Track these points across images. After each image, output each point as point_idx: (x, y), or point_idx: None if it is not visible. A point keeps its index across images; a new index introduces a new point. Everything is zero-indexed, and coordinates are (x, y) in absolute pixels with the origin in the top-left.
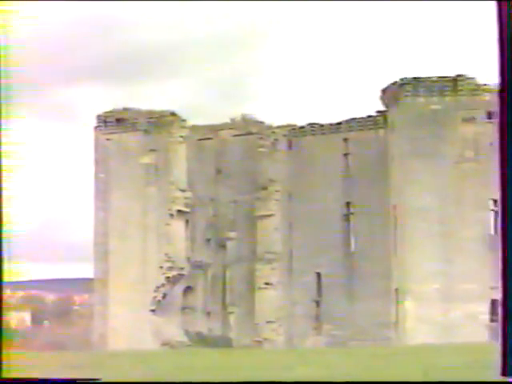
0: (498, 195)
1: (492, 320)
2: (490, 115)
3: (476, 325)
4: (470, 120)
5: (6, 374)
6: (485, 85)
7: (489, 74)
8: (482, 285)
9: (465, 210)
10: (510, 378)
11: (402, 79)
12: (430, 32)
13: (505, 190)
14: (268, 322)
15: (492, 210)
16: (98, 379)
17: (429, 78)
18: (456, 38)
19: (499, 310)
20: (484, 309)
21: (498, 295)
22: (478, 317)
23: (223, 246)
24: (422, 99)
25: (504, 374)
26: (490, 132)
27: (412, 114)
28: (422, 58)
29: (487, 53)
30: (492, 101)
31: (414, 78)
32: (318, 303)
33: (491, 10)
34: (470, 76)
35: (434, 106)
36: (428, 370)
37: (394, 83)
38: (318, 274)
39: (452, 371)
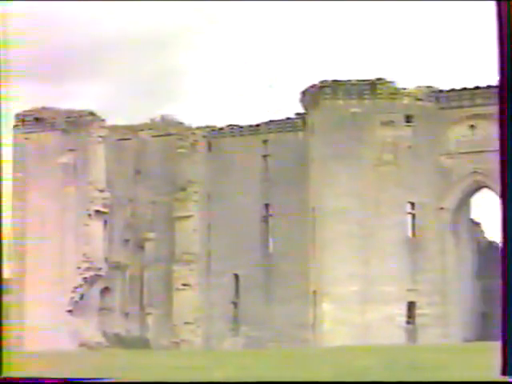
0: (415, 198)
1: (408, 322)
2: (408, 119)
3: (393, 327)
4: (388, 123)
5: (5, 374)
6: (404, 89)
7: (408, 78)
8: (399, 287)
9: (383, 212)
10: (510, 378)
11: (321, 82)
12: (350, 35)
13: (505, 188)
14: (186, 323)
15: (410, 213)
16: (98, 379)
17: (348, 81)
18: (377, 40)
19: (501, 309)
20: (401, 311)
21: (414, 297)
22: (395, 319)
23: (141, 247)
24: (341, 102)
25: (504, 373)
26: (408, 135)
27: (331, 116)
28: (342, 60)
29: (408, 56)
30: (411, 104)
31: (334, 80)
32: (235, 304)
33: (417, 12)
34: (389, 80)
35: (353, 109)
36: (342, 371)
37: (314, 86)
38: (236, 276)
39: (367, 372)
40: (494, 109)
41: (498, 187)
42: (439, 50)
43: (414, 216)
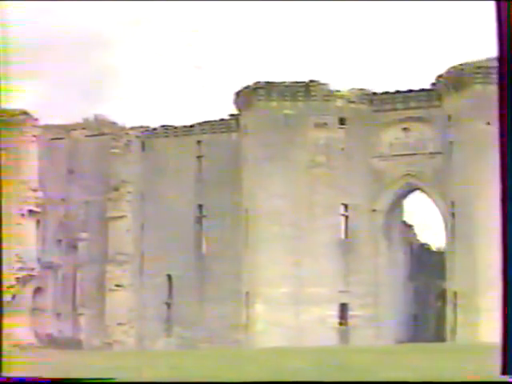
0: (348, 200)
1: (341, 323)
2: (341, 121)
3: (325, 328)
4: (322, 125)
5: (6, 374)
6: (337, 91)
7: (342, 80)
8: (332, 288)
9: (316, 214)
10: (510, 378)
11: (255, 83)
12: (285, 36)
13: (505, 186)
14: (119, 323)
15: (342, 215)
16: (97, 379)
17: (282, 82)
18: (312, 42)
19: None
20: (333, 312)
21: (346, 299)
22: (327, 320)
23: (74, 247)
24: (274, 103)
25: (504, 373)
26: (341, 138)
27: (264, 117)
28: (276, 62)
29: (342, 59)
30: (344, 107)
31: (268, 82)
32: (169, 305)
33: (350, 14)
34: (322, 82)
35: (286, 111)
36: (273, 372)
37: (247, 87)
38: (170, 277)
39: (298, 373)
40: (427, 112)
41: (430, 189)
42: (373, 52)
43: (346, 218)
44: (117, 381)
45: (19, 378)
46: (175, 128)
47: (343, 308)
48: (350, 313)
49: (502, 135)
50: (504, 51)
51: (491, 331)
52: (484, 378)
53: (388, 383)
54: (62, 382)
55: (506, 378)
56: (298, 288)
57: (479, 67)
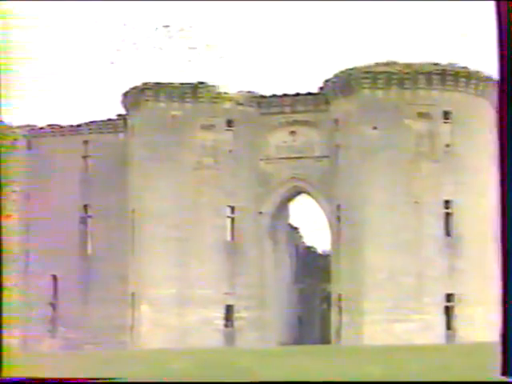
0: (235, 202)
1: (226, 325)
2: (229, 123)
3: (211, 330)
4: (209, 127)
5: (6, 374)
6: (225, 93)
7: (230, 83)
8: (217, 290)
9: (202, 216)
10: (510, 378)
11: (143, 84)
12: (173, 37)
13: (504, 190)
14: None
15: (229, 217)
16: (98, 379)
17: (170, 83)
18: (200, 43)
19: (499, 311)
20: (219, 314)
21: (232, 301)
22: (213, 322)
23: None
24: (162, 104)
25: (504, 373)
26: (229, 140)
27: (152, 118)
28: (165, 63)
29: (231, 61)
30: (232, 109)
31: (156, 83)
32: (54, 306)
33: (241, 18)
34: (211, 84)
35: (174, 112)
36: (157, 372)
37: (135, 87)
38: (55, 277)
39: (181, 373)
40: (314, 115)
41: (317, 193)
42: (263, 55)
43: (233, 220)
44: (117, 381)
45: (19, 378)
46: (62, 127)
47: (229, 310)
48: (236, 315)
49: (501, 139)
50: (504, 51)
51: (375, 334)
52: (484, 378)
53: (385, 383)
54: (62, 382)
55: (506, 378)
56: (184, 289)
57: (367, 72)
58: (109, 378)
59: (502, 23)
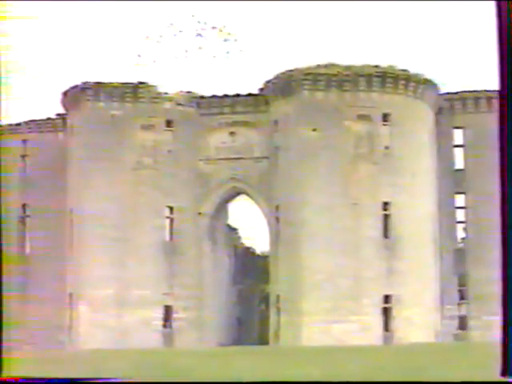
0: (174, 203)
1: (165, 326)
2: (169, 123)
3: (150, 330)
4: (149, 127)
5: (6, 374)
6: (165, 93)
7: (170, 83)
8: (156, 291)
9: (141, 216)
10: (510, 378)
11: (83, 83)
12: (114, 36)
13: (505, 192)
14: None
15: (168, 218)
16: (98, 379)
17: (110, 83)
18: (140, 43)
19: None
20: (157, 314)
21: (171, 301)
22: (151, 322)
23: None
24: (102, 104)
25: (504, 373)
26: (168, 140)
27: (91, 118)
28: (105, 62)
29: (171, 61)
30: (172, 109)
31: (96, 82)
32: None
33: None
34: (151, 84)
35: (114, 112)
36: (92, 372)
37: (75, 87)
38: None
39: (117, 374)
40: (254, 116)
41: (256, 194)
42: (203, 56)
43: (172, 220)
44: (117, 381)
45: (19, 378)
46: (1, 126)
47: (167, 310)
48: (174, 315)
49: (501, 139)
50: (504, 51)
51: (313, 335)
52: (484, 378)
53: (381, 383)
54: (62, 382)
55: (506, 379)
56: (122, 290)
57: (307, 74)
58: (109, 379)
59: (502, 23)
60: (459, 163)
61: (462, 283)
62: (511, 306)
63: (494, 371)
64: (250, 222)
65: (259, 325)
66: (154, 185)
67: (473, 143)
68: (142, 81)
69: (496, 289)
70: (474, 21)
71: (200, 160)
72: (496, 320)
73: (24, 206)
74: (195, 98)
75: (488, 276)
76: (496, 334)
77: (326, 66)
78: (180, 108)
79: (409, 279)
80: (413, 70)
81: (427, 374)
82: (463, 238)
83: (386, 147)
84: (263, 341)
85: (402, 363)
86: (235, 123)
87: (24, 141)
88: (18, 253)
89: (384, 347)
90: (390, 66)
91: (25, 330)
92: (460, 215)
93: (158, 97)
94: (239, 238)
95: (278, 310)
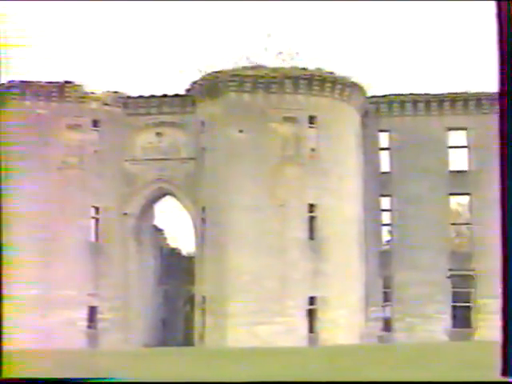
0: (100, 203)
1: (90, 327)
2: (95, 123)
3: (75, 331)
4: (75, 127)
5: (6, 374)
6: (92, 93)
7: (97, 83)
8: (81, 291)
9: (67, 216)
10: (510, 378)
11: (9, 82)
12: (45, 35)
13: (505, 194)
14: None
15: (93, 218)
16: (98, 379)
17: (37, 82)
18: (70, 43)
19: (503, 312)
20: (82, 315)
21: (96, 302)
22: (76, 323)
23: None
24: (28, 103)
25: (504, 373)
26: (95, 140)
27: (17, 117)
28: (33, 61)
29: (99, 61)
30: (98, 109)
31: (22, 81)
32: None
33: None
34: (78, 83)
35: (40, 111)
36: (20, 374)
37: (1, 85)
38: None
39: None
40: (180, 117)
41: (182, 195)
42: (129, 56)
43: (97, 220)
44: (117, 381)
45: (19, 378)
46: None
47: (92, 311)
48: (99, 316)
49: (502, 140)
50: (504, 51)
51: (238, 336)
52: (484, 378)
53: (381, 383)
54: (62, 382)
55: (506, 379)
56: (47, 290)
57: (234, 75)
58: (109, 379)
59: (502, 23)
60: (385, 166)
61: (387, 285)
62: (511, 306)
63: (357, 372)
64: (176, 222)
65: (184, 326)
66: (79, 185)
67: (398, 146)
68: (69, 80)
69: (420, 290)
70: (399, 24)
71: (126, 160)
72: (419, 322)
73: None
74: (122, 98)
75: (412, 278)
76: (420, 335)
77: (252, 68)
78: (107, 108)
79: (334, 281)
80: (340, 73)
81: (353, 374)
82: (388, 241)
83: (313, 149)
84: (188, 342)
85: (326, 364)
86: (162, 124)
87: None
88: None
89: (308, 349)
90: (317, 69)
91: None
92: (385, 218)
93: (84, 96)
94: (165, 238)
95: (204, 312)
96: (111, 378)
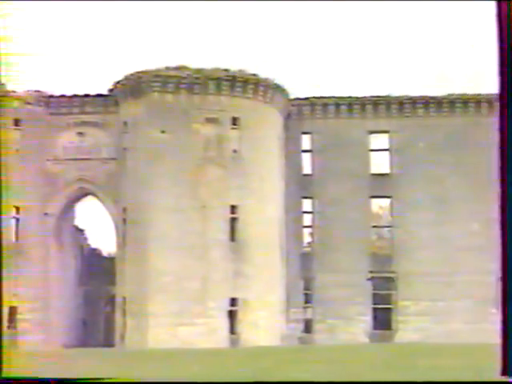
0: (20, 202)
1: (9, 327)
2: (17, 122)
3: None
4: None
5: (6, 374)
6: (13, 91)
7: (19, 82)
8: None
9: None
10: (510, 378)
11: None
12: None
13: (505, 194)
14: None
15: (14, 218)
16: (99, 379)
17: None
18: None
19: (500, 311)
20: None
21: (15, 302)
22: None
23: None
24: None
25: (504, 373)
26: (16, 139)
27: None
28: None
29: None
30: (20, 108)
31: None
32: None
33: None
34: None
35: None
36: None
37: None
38: None
39: None
40: (103, 117)
41: (103, 195)
42: (51, 54)
43: (18, 220)
44: (117, 381)
45: (19, 378)
46: None
47: (12, 311)
48: (19, 316)
49: (501, 141)
50: (504, 51)
51: (159, 337)
52: (484, 378)
53: (385, 383)
54: (62, 382)
55: (506, 378)
56: None
57: (157, 75)
58: (109, 379)
59: (502, 23)
60: (307, 168)
61: (308, 287)
62: (511, 306)
63: (277, 373)
64: (97, 223)
65: (105, 327)
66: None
67: (320, 149)
68: None
69: (341, 292)
70: (318, 29)
71: (48, 160)
72: (340, 324)
73: None
74: (44, 97)
75: (333, 280)
76: (341, 337)
77: (175, 69)
78: (28, 107)
79: (255, 282)
80: (263, 75)
81: (274, 374)
82: (309, 243)
83: (235, 151)
84: (109, 343)
85: (248, 366)
86: (84, 123)
87: None
88: None
89: (229, 350)
90: (240, 71)
91: None
92: (307, 220)
93: (5, 95)
94: (86, 238)
95: (124, 312)
96: (112, 378)
